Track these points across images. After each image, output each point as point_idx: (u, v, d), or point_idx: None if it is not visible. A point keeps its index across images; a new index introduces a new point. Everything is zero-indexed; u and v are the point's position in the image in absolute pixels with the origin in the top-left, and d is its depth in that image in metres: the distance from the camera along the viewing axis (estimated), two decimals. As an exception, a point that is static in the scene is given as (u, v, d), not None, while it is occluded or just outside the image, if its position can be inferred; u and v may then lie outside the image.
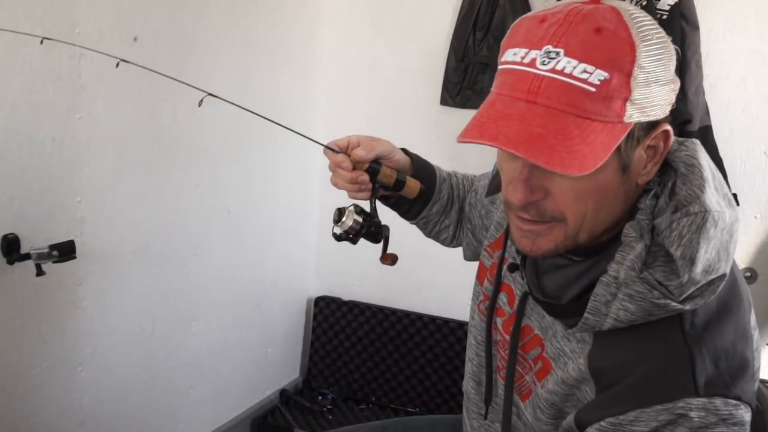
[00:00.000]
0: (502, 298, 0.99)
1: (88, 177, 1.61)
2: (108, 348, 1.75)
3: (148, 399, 1.92)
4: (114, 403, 1.79)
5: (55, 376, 1.60)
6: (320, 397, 2.54)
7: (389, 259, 1.08)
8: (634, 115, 0.70)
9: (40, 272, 1.46)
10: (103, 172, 1.66)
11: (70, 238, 1.53)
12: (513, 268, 0.95)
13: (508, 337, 0.96)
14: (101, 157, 1.64)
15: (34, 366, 1.54)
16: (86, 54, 1.54)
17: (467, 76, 2.35)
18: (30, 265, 1.45)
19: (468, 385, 1.08)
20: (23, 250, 1.46)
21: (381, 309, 2.56)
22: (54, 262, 1.47)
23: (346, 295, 2.63)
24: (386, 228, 1.07)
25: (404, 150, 1.14)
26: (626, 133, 0.71)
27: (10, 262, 1.44)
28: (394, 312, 2.54)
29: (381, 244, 1.08)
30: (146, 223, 1.82)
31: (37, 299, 1.53)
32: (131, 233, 1.77)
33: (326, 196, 2.62)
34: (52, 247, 1.46)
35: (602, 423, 0.77)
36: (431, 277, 2.49)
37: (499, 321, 0.99)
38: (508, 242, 0.98)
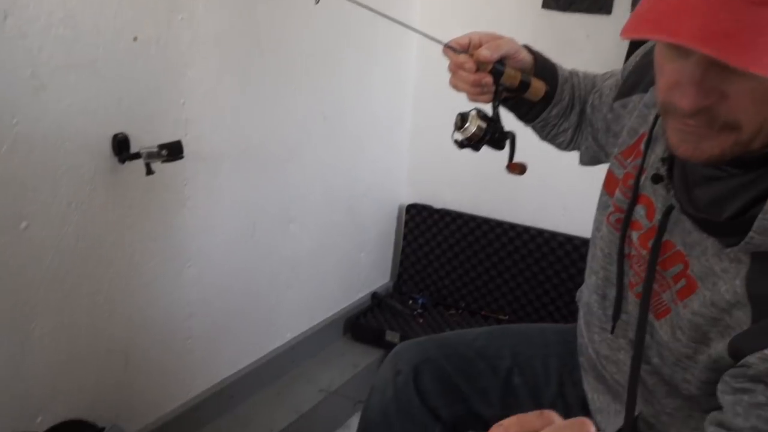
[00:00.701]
0: (639, 210, 0.92)
1: (191, 79, 1.61)
2: (212, 246, 1.79)
3: (249, 296, 1.98)
4: (219, 299, 1.86)
5: (165, 271, 1.66)
6: (410, 301, 2.57)
7: (517, 168, 1.02)
8: None
9: (149, 171, 1.48)
10: (206, 75, 1.65)
11: (175, 139, 1.54)
12: (657, 179, 0.88)
13: (644, 252, 0.90)
14: (203, 60, 1.63)
15: (145, 261, 1.60)
16: (185, -48, 1.50)
17: (572, -24, 2.20)
18: (140, 164, 1.48)
19: (590, 298, 1.04)
20: (132, 149, 1.48)
21: (473, 218, 2.53)
22: (163, 161, 1.48)
23: (438, 203, 2.61)
24: (512, 134, 1.01)
25: (526, 47, 1.07)
26: None
27: (122, 161, 1.47)
28: (486, 221, 2.51)
29: (502, 151, 1.03)
30: (247, 126, 1.82)
31: (147, 198, 1.57)
32: (233, 136, 1.78)
33: (419, 103, 2.56)
34: (161, 146, 1.47)
35: (765, 351, 0.72)
36: (525, 187, 2.42)
37: (634, 235, 0.93)
38: (649, 151, 0.92)
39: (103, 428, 1.41)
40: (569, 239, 2.37)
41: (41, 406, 1.42)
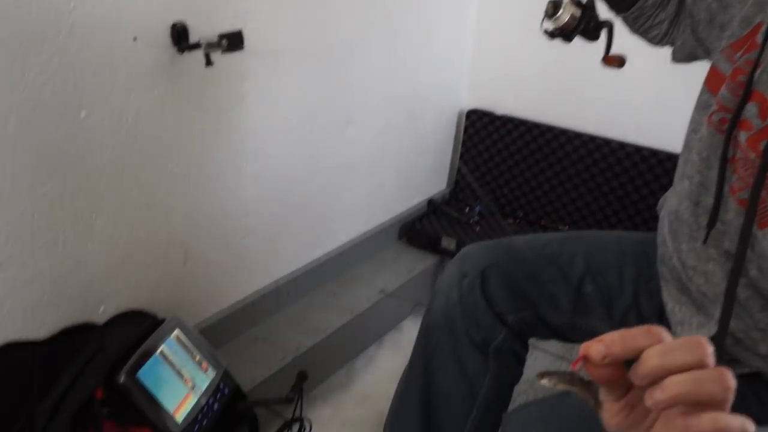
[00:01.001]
0: (751, 108, 0.83)
1: (252, -34, 1.53)
2: (270, 145, 1.75)
3: (306, 197, 1.95)
4: (276, 199, 1.84)
5: (223, 167, 1.63)
6: (467, 209, 2.52)
7: (615, 61, 0.93)
8: None
9: (208, 62, 1.43)
10: (267, -38, 1.56)
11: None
12: None
13: (753, 156, 0.82)
14: (263, -55, 1.54)
15: (203, 156, 1.57)
16: None
17: None
18: (199, 56, 1.42)
19: (680, 205, 0.96)
20: (192, 40, 1.42)
21: (536, 125, 2.42)
22: (223, 52, 1.42)
23: (500, 109, 2.50)
24: (609, 23, 0.91)
25: None
26: None
27: (180, 51, 1.42)
28: (549, 128, 2.40)
29: (597, 43, 0.93)
30: (307, 21, 1.74)
31: (206, 91, 1.52)
32: (293, 30, 1.70)
33: (485, 2, 2.42)
34: (222, 36, 1.41)
35: None
36: (593, 94, 2.31)
37: (742, 135, 0.84)
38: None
39: (164, 320, 1.42)
40: (638, 150, 2.25)
41: (104, 296, 1.43)
